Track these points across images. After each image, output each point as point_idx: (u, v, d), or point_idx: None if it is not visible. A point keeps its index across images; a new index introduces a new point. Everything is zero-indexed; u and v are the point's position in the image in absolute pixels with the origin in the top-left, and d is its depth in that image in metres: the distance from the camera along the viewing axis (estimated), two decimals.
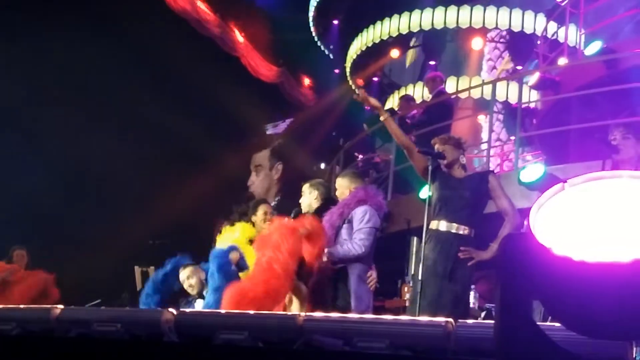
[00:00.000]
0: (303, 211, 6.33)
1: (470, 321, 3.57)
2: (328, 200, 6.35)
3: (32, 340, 4.25)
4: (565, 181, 2.26)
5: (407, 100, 10.69)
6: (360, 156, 12.44)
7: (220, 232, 6.95)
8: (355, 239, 5.92)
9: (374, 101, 6.35)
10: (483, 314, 7.69)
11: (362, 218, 6.01)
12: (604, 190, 2.14)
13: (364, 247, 5.92)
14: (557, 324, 2.36)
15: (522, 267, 2.11)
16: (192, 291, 6.60)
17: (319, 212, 6.18)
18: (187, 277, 6.62)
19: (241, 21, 19.27)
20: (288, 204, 6.93)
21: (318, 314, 4.15)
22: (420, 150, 6.21)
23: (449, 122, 10.03)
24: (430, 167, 6.01)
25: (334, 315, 4.16)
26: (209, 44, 17.79)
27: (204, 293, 6.50)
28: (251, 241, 6.50)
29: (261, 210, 6.79)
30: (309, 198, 6.36)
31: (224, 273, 6.01)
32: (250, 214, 6.86)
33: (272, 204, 6.96)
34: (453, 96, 12.61)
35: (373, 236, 6.02)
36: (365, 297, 5.94)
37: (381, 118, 6.25)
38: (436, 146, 6.07)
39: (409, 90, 15.76)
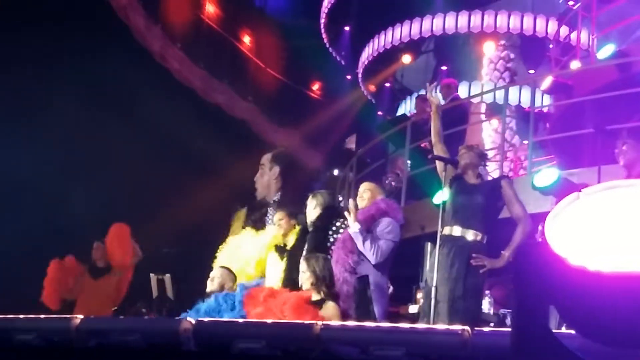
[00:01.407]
0: (309, 220, 6.44)
1: (486, 329, 3.59)
2: (329, 208, 6.41)
3: (52, 351, 4.29)
4: (580, 189, 2.28)
5: (422, 100, 10.64)
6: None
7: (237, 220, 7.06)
8: (382, 246, 6.00)
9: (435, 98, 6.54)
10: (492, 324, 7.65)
11: (386, 229, 6.09)
12: (619, 199, 2.16)
13: (383, 258, 5.99)
14: (573, 332, 2.38)
15: (538, 277, 2.13)
16: (210, 287, 6.70)
17: (320, 220, 6.31)
18: (212, 278, 6.73)
19: (251, 28, 19.32)
20: (288, 201, 7.04)
21: (335, 323, 4.17)
22: (433, 156, 6.30)
23: (464, 127, 10.02)
24: (444, 173, 6.11)
25: (351, 324, 4.19)
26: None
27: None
28: (276, 246, 6.70)
29: (277, 216, 6.86)
30: (309, 208, 6.45)
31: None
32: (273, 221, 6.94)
33: (274, 199, 7.15)
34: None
35: (391, 250, 6.07)
36: (381, 305, 5.96)
37: (432, 113, 6.46)
38: (461, 151, 6.18)
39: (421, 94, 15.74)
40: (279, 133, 17.77)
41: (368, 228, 6.09)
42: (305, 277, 5.74)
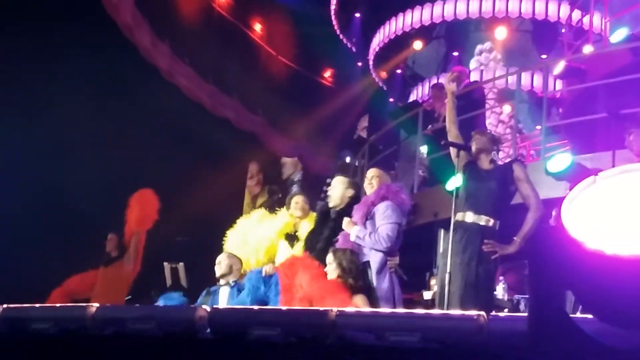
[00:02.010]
0: (333, 204, 6.41)
1: (502, 314, 3.58)
2: (355, 198, 6.41)
3: (68, 339, 4.31)
4: (596, 173, 2.27)
5: (439, 88, 10.55)
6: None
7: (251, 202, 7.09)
8: (382, 233, 5.95)
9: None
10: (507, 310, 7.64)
11: (384, 214, 6.04)
12: (635, 183, 2.14)
13: (390, 241, 5.96)
14: (589, 316, 2.37)
15: (554, 261, 2.13)
16: (218, 271, 6.75)
17: (347, 208, 6.27)
18: (219, 262, 6.79)
19: (262, 16, 19.29)
20: (308, 186, 7.12)
21: (350, 309, 4.18)
22: (445, 142, 6.31)
23: (481, 111, 9.93)
24: (457, 159, 6.13)
25: (366, 310, 4.19)
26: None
27: (231, 282, 6.71)
28: (287, 234, 6.75)
29: (294, 199, 6.89)
30: (336, 189, 6.42)
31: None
32: (287, 207, 6.95)
33: (297, 177, 7.29)
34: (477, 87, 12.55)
35: (397, 232, 6.04)
36: (386, 285, 5.93)
37: (447, 100, 6.48)
38: (474, 136, 6.18)
39: (433, 81, 15.70)
40: (288, 145, 17.69)
41: (368, 215, 6.09)
42: (331, 269, 5.73)
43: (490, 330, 3.29)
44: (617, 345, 2.28)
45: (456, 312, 4.10)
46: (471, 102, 9.60)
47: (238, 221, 7.25)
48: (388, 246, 5.95)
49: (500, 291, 7.76)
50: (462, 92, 10.05)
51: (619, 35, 10.25)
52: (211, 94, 16.63)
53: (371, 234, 5.95)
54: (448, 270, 5.73)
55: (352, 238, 5.99)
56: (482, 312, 3.36)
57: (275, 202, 7.45)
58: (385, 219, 6.00)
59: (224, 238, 7.15)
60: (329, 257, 5.80)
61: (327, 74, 21.02)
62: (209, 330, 3.98)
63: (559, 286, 2.16)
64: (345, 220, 6.08)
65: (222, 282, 6.75)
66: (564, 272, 2.13)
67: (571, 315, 2.23)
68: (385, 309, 4.99)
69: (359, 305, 5.36)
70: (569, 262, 2.11)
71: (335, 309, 3.74)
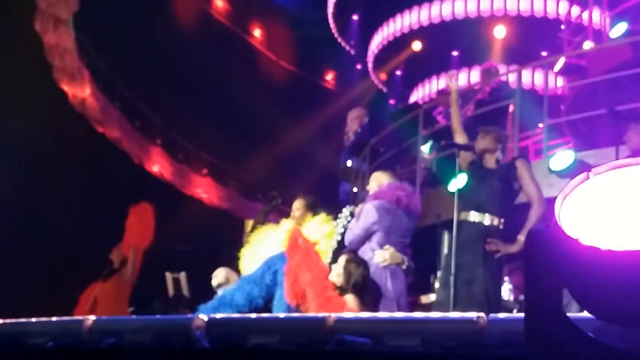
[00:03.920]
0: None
1: (501, 315, 3.53)
2: None
3: (65, 353, 4.27)
4: (589, 170, 2.21)
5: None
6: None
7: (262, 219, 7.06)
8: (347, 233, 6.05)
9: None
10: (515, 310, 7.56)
11: (359, 214, 6.07)
12: (630, 178, 2.09)
13: (349, 243, 6.02)
14: (587, 314, 2.32)
15: (549, 259, 2.08)
16: (215, 282, 6.91)
17: None
18: (216, 275, 6.82)
19: (261, 22, 19.30)
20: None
21: (348, 314, 4.13)
22: (445, 142, 6.27)
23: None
24: (457, 159, 6.09)
25: (364, 315, 4.14)
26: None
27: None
28: None
29: (295, 204, 6.82)
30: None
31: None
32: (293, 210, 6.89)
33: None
34: (477, 87, 12.46)
35: (362, 229, 6.00)
36: (382, 283, 5.88)
37: (451, 100, 6.48)
38: (479, 135, 6.10)
39: (433, 82, 15.67)
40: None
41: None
42: (337, 273, 5.64)
43: (491, 331, 3.25)
44: (617, 344, 2.23)
45: (455, 314, 4.05)
46: (498, 98, 9.45)
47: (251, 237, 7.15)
48: (348, 246, 5.99)
49: (506, 292, 7.69)
50: (492, 88, 9.93)
51: (618, 30, 10.19)
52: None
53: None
54: (452, 271, 5.68)
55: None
56: (482, 314, 3.31)
57: (275, 208, 7.38)
58: (359, 218, 6.04)
59: (226, 247, 7.12)
60: (341, 261, 5.72)
61: (329, 76, 21.00)
62: (206, 339, 3.93)
63: (554, 284, 2.11)
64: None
65: (219, 292, 6.72)
66: (559, 270, 2.08)
67: (569, 314, 2.18)
68: (383, 313, 4.93)
69: (349, 304, 5.31)
70: (564, 260, 2.06)
71: (333, 315, 3.70)
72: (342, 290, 5.54)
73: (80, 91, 14.44)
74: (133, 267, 8.45)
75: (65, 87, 13.76)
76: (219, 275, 6.78)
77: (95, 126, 14.74)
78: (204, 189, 17.03)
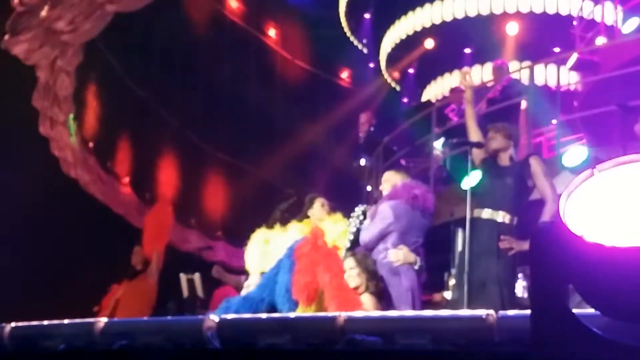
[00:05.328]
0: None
1: (511, 312, 3.52)
2: None
3: (77, 355, 4.29)
4: (594, 167, 2.21)
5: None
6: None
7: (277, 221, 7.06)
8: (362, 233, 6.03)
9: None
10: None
11: (375, 214, 6.06)
12: (635, 174, 2.08)
13: (363, 241, 6.02)
14: (593, 310, 2.32)
15: (554, 256, 2.08)
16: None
17: None
18: None
19: (276, 21, 19.32)
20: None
21: (358, 313, 4.13)
22: (457, 141, 6.27)
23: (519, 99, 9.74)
24: (470, 157, 6.07)
25: (374, 314, 4.14)
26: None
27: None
28: None
29: (317, 203, 6.81)
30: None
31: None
32: (306, 209, 6.86)
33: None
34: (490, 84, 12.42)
35: (378, 230, 5.99)
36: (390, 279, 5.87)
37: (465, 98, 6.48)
38: (489, 134, 6.06)
39: (445, 79, 15.62)
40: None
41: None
42: (354, 274, 5.60)
43: (501, 328, 3.25)
44: (622, 340, 2.22)
45: (465, 312, 4.05)
46: (509, 96, 9.42)
47: (253, 235, 7.12)
48: (363, 244, 6.01)
49: (519, 289, 7.66)
50: (503, 85, 9.88)
51: (631, 25, 10.14)
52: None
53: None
54: (466, 269, 5.67)
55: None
56: (491, 311, 3.30)
57: (291, 206, 7.35)
58: (375, 218, 6.03)
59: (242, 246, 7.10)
60: (350, 262, 5.70)
61: (345, 74, 21.00)
62: (218, 340, 3.94)
63: (559, 281, 2.11)
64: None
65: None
66: (563, 267, 2.08)
67: (574, 310, 2.18)
68: (393, 312, 4.93)
69: (366, 304, 5.30)
70: (568, 256, 2.06)
71: (343, 314, 3.70)
72: (360, 290, 5.54)
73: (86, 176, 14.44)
74: (158, 267, 8.50)
75: (72, 175, 13.82)
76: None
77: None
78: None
